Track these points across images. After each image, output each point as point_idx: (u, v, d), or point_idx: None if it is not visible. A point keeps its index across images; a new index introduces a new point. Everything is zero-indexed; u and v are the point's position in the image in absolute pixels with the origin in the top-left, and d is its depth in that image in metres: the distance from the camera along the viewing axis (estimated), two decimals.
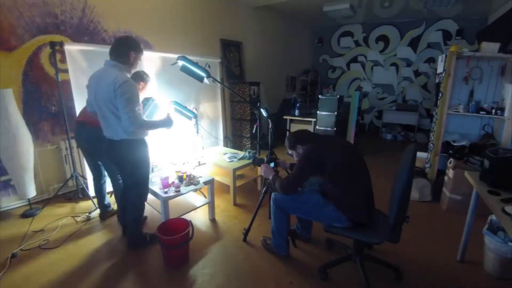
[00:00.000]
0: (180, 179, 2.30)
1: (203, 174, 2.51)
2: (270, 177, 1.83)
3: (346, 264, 1.78)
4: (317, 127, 4.62)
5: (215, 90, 4.18)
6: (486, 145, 2.81)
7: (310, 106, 6.57)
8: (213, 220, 2.49)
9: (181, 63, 2.27)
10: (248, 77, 5.12)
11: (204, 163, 3.23)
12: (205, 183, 2.37)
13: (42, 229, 2.27)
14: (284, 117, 5.07)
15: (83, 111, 2.19)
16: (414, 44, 5.98)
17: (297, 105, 5.03)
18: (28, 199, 2.54)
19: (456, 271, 1.83)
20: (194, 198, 2.57)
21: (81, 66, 2.66)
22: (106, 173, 2.30)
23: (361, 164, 1.64)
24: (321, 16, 5.75)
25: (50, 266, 1.83)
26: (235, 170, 2.74)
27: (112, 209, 2.50)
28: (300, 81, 7.03)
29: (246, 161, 2.92)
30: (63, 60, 2.61)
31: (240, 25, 4.92)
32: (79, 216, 2.48)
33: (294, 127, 4.87)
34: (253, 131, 4.17)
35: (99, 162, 2.29)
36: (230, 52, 4.76)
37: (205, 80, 2.32)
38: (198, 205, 2.44)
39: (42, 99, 2.74)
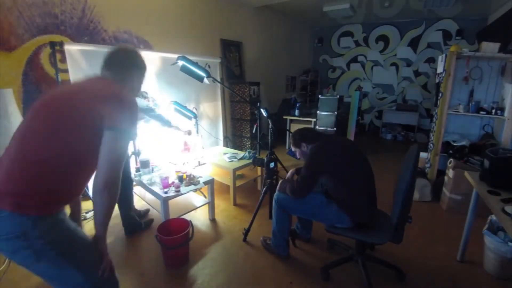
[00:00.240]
0: (180, 179, 2.30)
1: (203, 174, 2.51)
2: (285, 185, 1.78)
3: (347, 264, 1.78)
4: (317, 127, 4.62)
5: (215, 90, 4.18)
6: (486, 145, 2.81)
7: (310, 106, 6.57)
8: (213, 220, 2.49)
9: (181, 63, 2.27)
10: (248, 77, 5.12)
11: (204, 163, 3.23)
12: (205, 183, 2.37)
13: None
14: (284, 117, 5.07)
15: None
16: (414, 44, 5.98)
17: (297, 105, 5.03)
18: None
19: (456, 271, 1.84)
20: (194, 198, 2.57)
21: (81, 66, 2.66)
22: None
23: (365, 165, 1.63)
24: (321, 16, 5.75)
25: None
26: (235, 170, 2.74)
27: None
28: (300, 81, 7.03)
29: (246, 161, 2.92)
30: (63, 60, 2.60)
31: (240, 25, 4.92)
32: None
33: (294, 127, 4.87)
34: (253, 131, 4.17)
35: None
36: (230, 52, 4.76)
37: (205, 80, 2.32)
38: (198, 205, 2.44)
39: None
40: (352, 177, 1.58)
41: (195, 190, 2.36)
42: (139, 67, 1.14)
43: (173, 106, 3.19)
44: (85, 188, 2.77)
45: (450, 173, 2.65)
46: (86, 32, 2.93)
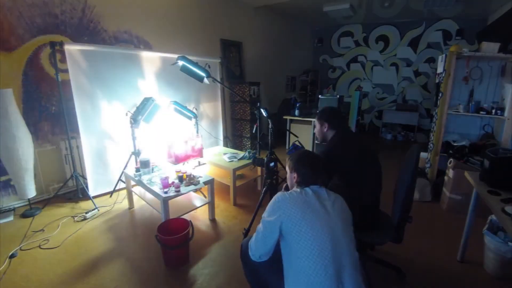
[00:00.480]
0: (180, 179, 2.30)
1: (203, 174, 2.51)
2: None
3: None
4: None
5: (215, 90, 4.18)
6: (486, 145, 2.81)
7: (310, 106, 6.57)
8: (213, 220, 2.49)
9: (181, 63, 2.27)
10: (248, 77, 5.12)
11: (204, 163, 3.23)
12: (205, 183, 2.37)
13: (42, 229, 2.27)
14: (284, 117, 5.06)
15: None
16: (414, 44, 5.98)
17: (297, 105, 5.02)
18: (28, 199, 2.54)
19: (456, 271, 1.83)
20: (194, 198, 2.57)
21: (81, 66, 2.66)
22: None
23: (377, 167, 1.60)
24: (321, 16, 5.74)
25: (50, 266, 1.83)
26: (235, 170, 2.74)
27: None
28: (300, 81, 7.03)
29: (246, 161, 2.92)
30: (63, 60, 2.61)
31: (240, 25, 4.92)
32: (77, 216, 2.48)
33: (294, 127, 4.87)
34: (253, 131, 4.17)
35: None
36: (230, 52, 4.76)
37: (205, 80, 2.32)
38: (198, 205, 2.44)
39: (42, 99, 2.74)
40: (363, 179, 1.55)
41: (195, 190, 2.36)
42: None
43: (173, 106, 3.19)
44: (85, 188, 2.77)
45: (450, 173, 2.65)
46: (86, 32, 2.93)
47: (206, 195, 2.60)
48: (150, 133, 3.16)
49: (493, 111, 2.82)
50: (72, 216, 2.48)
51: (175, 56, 2.31)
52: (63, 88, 2.62)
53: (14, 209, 2.57)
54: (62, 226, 2.31)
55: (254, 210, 2.19)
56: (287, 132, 4.90)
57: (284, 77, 6.46)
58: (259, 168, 3.08)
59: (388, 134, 6.22)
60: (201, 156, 3.05)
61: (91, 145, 2.82)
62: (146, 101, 2.83)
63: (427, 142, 3.62)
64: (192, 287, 1.68)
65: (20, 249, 1.99)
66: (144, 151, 2.91)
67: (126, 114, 2.81)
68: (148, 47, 3.48)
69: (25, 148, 2.37)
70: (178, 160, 2.79)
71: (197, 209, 2.46)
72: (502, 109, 2.78)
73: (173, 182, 2.23)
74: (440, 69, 3.23)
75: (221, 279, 1.74)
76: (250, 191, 3.14)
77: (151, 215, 2.54)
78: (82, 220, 2.44)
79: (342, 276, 0.95)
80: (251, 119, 4.49)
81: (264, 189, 2.20)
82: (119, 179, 2.92)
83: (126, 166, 2.81)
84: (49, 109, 2.80)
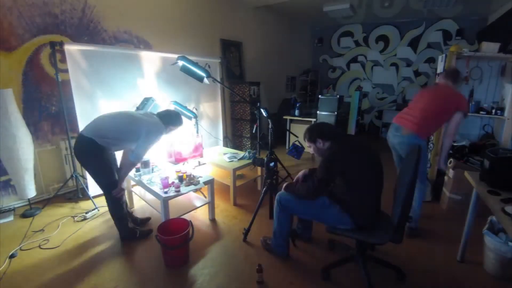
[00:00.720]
0: (180, 179, 2.30)
1: (203, 174, 2.51)
2: (293, 189, 1.76)
3: (347, 265, 1.77)
4: None
5: (215, 90, 4.18)
6: (486, 145, 2.81)
7: (310, 106, 6.56)
8: (213, 220, 2.49)
9: (181, 63, 2.27)
10: (248, 77, 5.12)
11: (204, 163, 3.23)
12: (205, 183, 2.37)
13: (42, 229, 2.27)
14: (284, 117, 5.07)
15: None
16: (414, 44, 5.98)
17: (297, 105, 5.03)
18: (28, 199, 2.54)
19: (456, 271, 1.83)
20: (194, 198, 2.57)
21: (81, 66, 2.66)
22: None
23: (378, 168, 1.60)
24: (321, 16, 5.74)
25: (50, 266, 1.83)
26: (235, 170, 2.74)
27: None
28: (300, 81, 7.03)
29: (246, 161, 2.92)
30: (63, 60, 2.61)
31: (240, 25, 4.92)
32: (77, 216, 2.48)
33: (294, 127, 4.87)
34: (253, 131, 4.17)
35: None
36: (230, 52, 4.76)
37: (205, 80, 2.32)
38: (198, 205, 2.44)
39: (42, 99, 2.74)
40: (365, 180, 1.55)
41: (195, 190, 2.36)
42: None
43: (173, 106, 3.19)
44: (85, 188, 2.76)
45: (450, 173, 2.65)
46: (86, 32, 2.93)
47: (206, 195, 2.60)
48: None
49: (493, 111, 2.82)
50: (72, 216, 2.48)
51: (175, 56, 2.31)
52: (63, 88, 2.62)
53: (14, 209, 2.57)
54: (62, 226, 2.32)
55: (254, 210, 2.19)
56: (287, 132, 4.90)
57: (284, 77, 6.46)
58: (259, 168, 3.08)
59: None
60: (201, 156, 3.05)
61: None
62: (146, 101, 2.83)
63: (427, 142, 3.62)
64: (192, 287, 1.68)
65: (20, 249, 1.99)
66: None
67: None
68: (148, 47, 3.48)
69: (25, 148, 2.37)
70: (178, 160, 2.79)
71: (197, 209, 2.46)
72: (502, 109, 2.79)
73: (173, 182, 2.23)
74: (440, 69, 3.22)
75: (221, 279, 1.74)
76: (250, 191, 3.14)
77: (151, 215, 2.54)
78: (82, 220, 2.44)
79: None
80: (251, 119, 4.49)
81: (264, 189, 2.20)
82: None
83: None
84: (49, 109, 2.80)
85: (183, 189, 2.20)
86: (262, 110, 2.44)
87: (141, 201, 2.68)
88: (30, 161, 2.44)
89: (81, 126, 2.72)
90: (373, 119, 6.80)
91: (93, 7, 2.93)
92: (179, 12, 3.84)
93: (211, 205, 2.48)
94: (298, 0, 4.77)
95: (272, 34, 5.76)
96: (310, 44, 7.35)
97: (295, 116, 4.96)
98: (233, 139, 4.83)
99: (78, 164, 2.91)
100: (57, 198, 2.78)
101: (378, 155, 1.64)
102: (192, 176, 2.37)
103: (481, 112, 2.87)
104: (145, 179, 2.35)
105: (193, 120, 3.29)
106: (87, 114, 2.76)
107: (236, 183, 2.79)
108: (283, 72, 6.39)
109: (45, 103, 2.76)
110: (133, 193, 2.71)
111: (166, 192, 2.11)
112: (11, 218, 2.43)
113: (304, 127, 4.78)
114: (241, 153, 3.15)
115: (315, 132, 1.68)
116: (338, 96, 4.50)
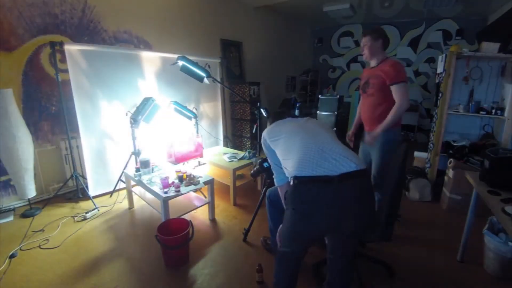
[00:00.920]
0: (180, 179, 2.30)
1: (203, 174, 2.51)
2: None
3: None
4: None
5: (215, 90, 4.18)
6: (486, 145, 2.81)
7: (310, 106, 6.57)
8: (213, 220, 2.49)
9: (181, 63, 2.28)
10: (248, 77, 5.12)
11: (204, 163, 3.23)
12: (205, 183, 2.37)
13: (42, 229, 2.27)
14: None
15: None
16: (414, 44, 5.97)
17: (297, 105, 5.03)
18: (28, 199, 2.54)
19: (456, 271, 1.83)
20: (194, 198, 2.57)
21: (81, 66, 2.66)
22: None
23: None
24: (321, 16, 5.74)
25: (50, 266, 1.83)
26: (235, 170, 2.74)
27: None
28: (300, 81, 7.03)
29: (246, 161, 2.92)
30: (63, 60, 2.61)
31: (240, 25, 4.92)
32: (77, 216, 2.48)
33: None
34: (253, 131, 4.17)
35: None
36: (230, 52, 4.76)
37: (205, 80, 2.32)
38: (198, 205, 2.44)
39: (42, 99, 2.74)
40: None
41: (195, 190, 2.36)
42: None
43: (173, 106, 3.19)
44: (85, 188, 2.77)
45: (450, 173, 2.65)
46: (86, 32, 2.93)
47: (206, 195, 2.60)
48: (150, 133, 3.16)
49: (493, 111, 2.82)
50: (72, 216, 2.48)
51: (175, 56, 2.32)
52: (63, 88, 2.62)
53: (14, 209, 2.57)
54: (62, 226, 2.32)
55: (254, 210, 2.19)
56: None
57: (284, 77, 6.46)
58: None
59: None
60: (201, 156, 3.05)
61: (91, 145, 2.82)
62: (146, 101, 2.83)
63: (427, 142, 3.62)
64: (192, 287, 1.68)
65: (20, 249, 1.99)
66: (144, 151, 2.91)
67: (126, 114, 2.81)
68: (148, 47, 3.48)
69: (25, 148, 2.37)
70: (178, 160, 2.79)
71: (197, 209, 2.46)
72: (502, 109, 2.78)
73: (173, 182, 2.23)
74: (440, 69, 3.23)
75: (221, 279, 1.74)
76: (250, 191, 3.14)
77: (151, 215, 2.54)
78: (82, 220, 2.44)
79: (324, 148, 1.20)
80: (251, 119, 4.49)
81: (264, 189, 2.20)
82: (119, 179, 2.92)
83: (126, 166, 2.81)
84: (49, 109, 2.80)
85: (183, 189, 2.21)
86: (262, 110, 2.44)
87: (141, 201, 2.68)
88: (30, 161, 2.44)
89: (81, 126, 2.73)
90: None
91: (93, 7, 2.93)
92: (179, 12, 3.84)
93: (211, 205, 2.48)
94: (298, 0, 4.77)
95: (272, 34, 5.76)
96: (310, 44, 7.35)
97: (295, 116, 4.96)
98: (233, 139, 4.83)
99: (78, 164, 2.92)
100: (57, 198, 2.78)
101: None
102: (192, 176, 2.37)
103: (481, 112, 2.86)
104: (145, 179, 2.35)
105: (193, 120, 3.29)
106: (87, 114, 2.76)
107: (236, 183, 2.79)
108: (283, 72, 6.39)
109: (45, 103, 2.76)
110: (133, 193, 2.71)
111: (166, 192, 2.11)
112: (11, 218, 2.43)
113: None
114: (241, 153, 3.15)
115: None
116: (338, 96, 4.51)
